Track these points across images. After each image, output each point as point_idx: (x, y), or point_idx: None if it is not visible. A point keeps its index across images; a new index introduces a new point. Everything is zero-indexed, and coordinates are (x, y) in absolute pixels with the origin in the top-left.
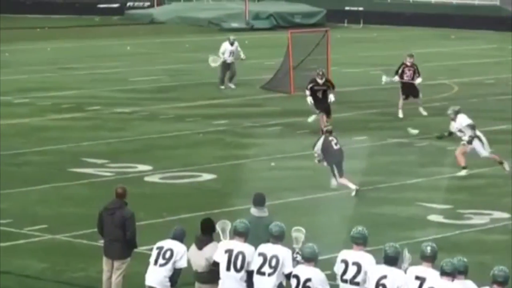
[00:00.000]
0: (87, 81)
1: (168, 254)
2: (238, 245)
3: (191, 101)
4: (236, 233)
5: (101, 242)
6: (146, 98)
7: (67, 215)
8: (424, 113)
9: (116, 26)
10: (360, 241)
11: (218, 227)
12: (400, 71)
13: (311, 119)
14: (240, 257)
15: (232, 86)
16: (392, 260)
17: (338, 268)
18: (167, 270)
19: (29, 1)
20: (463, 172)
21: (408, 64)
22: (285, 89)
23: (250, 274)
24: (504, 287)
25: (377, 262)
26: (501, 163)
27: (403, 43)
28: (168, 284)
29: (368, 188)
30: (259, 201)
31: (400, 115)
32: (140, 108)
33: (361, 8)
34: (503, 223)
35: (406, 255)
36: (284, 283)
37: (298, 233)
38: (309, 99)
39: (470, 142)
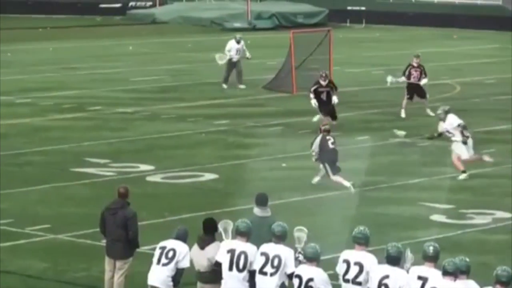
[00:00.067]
0: (89, 81)
1: (170, 254)
2: (240, 245)
3: (193, 101)
4: (238, 233)
5: (103, 242)
6: (148, 98)
7: (69, 215)
8: (431, 113)
9: (118, 26)
10: (362, 241)
11: (220, 227)
12: (407, 72)
13: (316, 118)
14: (242, 257)
15: (242, 86)
16: (395, 260)
17: (340, 268)
18: (169, 270)
19: (31, 1)
20: (463, 176)
21: (415, 64)
22: (287, 89)
23: (252, 274)
24: (507, 287)
25: (380, 262)
26: (482, 159)
27: (405, 43)
28: (171, 283)
29: (370, 188)
30: (262, 201)
31: (403, 115)
32: (142, 108)
33: (363, 8)
34: (505, 223)
35: (409, 255)
36: (287, 283)
37: (301, 233)
38: (314, 102)
39: (465, 142)
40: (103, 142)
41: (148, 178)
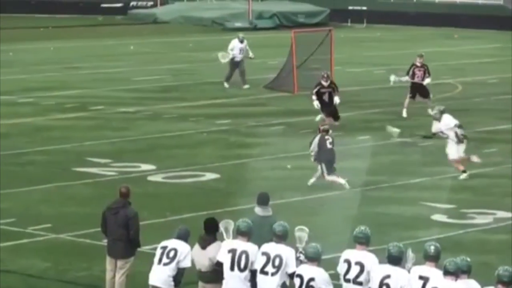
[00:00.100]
0: (91, 80)
1: (172, 254)
2: (241, 245)
3: (194, 101)
4: (239, 233)
5: (104, 242)
6: (150, 98)
7: (71, 214)
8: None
9: (120, 25)
10: (363, 241)
11: (221, 226)
12: (410, 72)
13: (318, 117)
14: (243, 257)
15: (247, 86)
16: (396, 259)
17: (341, 267)
18: (171, 270)
19: (33, 1)
20: (463, 176)
21: (418, 64)
22: (288, 88)
23: (253, 273)
24: (509, 287)
25: (381, 262)
26: (470, 160)
27: (406, 43)
28: (172, 283)
29: (371, 188)
30: (263, 200)
31: (404, 114)
32: (143, 107)
33: (364, 8)
34: (506, 223)
35: (410, 254)
36: (288, 283)
37: (302, 233)
38: (316, 103)
39: (461, 140)
40: (105, 142)
41: (150, 178)
